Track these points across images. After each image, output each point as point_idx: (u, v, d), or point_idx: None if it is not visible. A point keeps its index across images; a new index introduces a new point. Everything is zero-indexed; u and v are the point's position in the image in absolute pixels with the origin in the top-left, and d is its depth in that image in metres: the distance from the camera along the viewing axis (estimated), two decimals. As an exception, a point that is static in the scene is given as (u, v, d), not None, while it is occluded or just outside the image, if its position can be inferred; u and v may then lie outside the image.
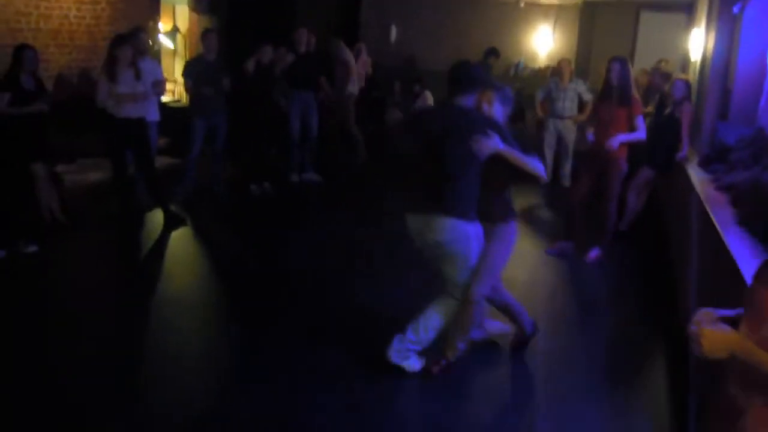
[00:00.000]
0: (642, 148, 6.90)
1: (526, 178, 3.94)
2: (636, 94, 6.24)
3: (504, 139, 3.82)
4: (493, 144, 3.77)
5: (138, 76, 6.49)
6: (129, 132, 6.54)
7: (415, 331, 4.05)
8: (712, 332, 1.94)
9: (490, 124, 3.86)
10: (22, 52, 6.09)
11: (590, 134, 6.44)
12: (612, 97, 6.13)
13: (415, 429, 3.73)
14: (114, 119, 6.46)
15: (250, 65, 7.79)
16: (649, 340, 5.00)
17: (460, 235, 3.85)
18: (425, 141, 3.92)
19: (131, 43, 6.58)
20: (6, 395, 3.75)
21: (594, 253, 6.41)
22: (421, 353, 4.13)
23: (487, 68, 10.07)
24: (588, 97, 9.17)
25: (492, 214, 4.03)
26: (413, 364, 4.14)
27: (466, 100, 3.93)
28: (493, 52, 10.14)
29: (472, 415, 3.85)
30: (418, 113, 4.49)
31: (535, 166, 3.94)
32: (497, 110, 4.09)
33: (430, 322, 4.04)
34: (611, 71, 6.10)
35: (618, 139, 6.01)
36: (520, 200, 8.95)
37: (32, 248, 5.79)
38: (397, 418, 3.85)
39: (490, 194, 3.99)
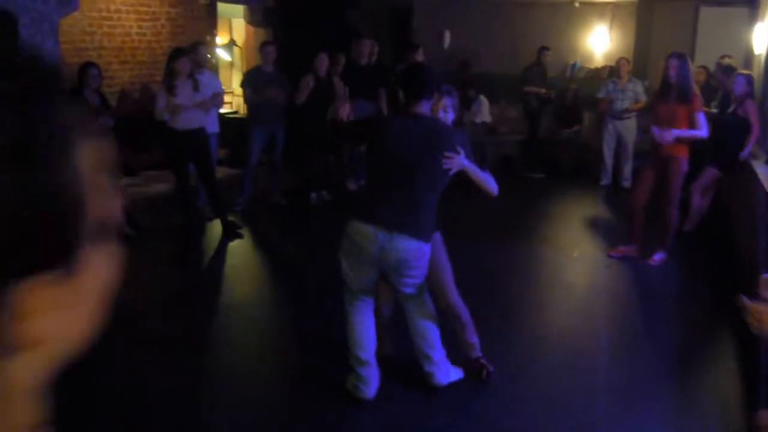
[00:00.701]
0: (705, 147, 6.71)
1: (480, 193, 3.85)
2: (696, 90, 6.07)
3: (466, 154, 3.66)
4: (461, 161, 3.61)
5: (196, 88, 6.62)
6: (190, 143, 6.68)
7: (431, 348, 3.97)
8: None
9: (457, 138, 3.70)
10: (85, 69, 6.32)
11: (655, 129, 6.12)
12: (671, 94, 5.98)
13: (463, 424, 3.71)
14: (175, 131, 6.62)
15: (308, 83, 7.83)
16: (718, 346, 4.86)
17: (423, 256, 3.70)
18: (395, 154, 3.61)
19: (190, 56, 6.73)
20: (74, 396, 3.87)
21: (658, 256, 6.25)
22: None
23: (542, 69, 10.04)
24: (643, 98, 9.03)
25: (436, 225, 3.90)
26: (457, 372, 4.11)
27: (425, 108, 3.73)
28: (545, 48, 10.17)
29: (531, 419, 3.80)
30: (381, 122, 4.15)
31: (491, 183, 3.84)
32: (450, 116, 3.99)
33: (433, 333, 3.96)
34: (670, 68, 5.94)
35: (673, 133, 5.83)
36: (581, 203, 8.88)
37: None
38: (454, 424, 3.83)
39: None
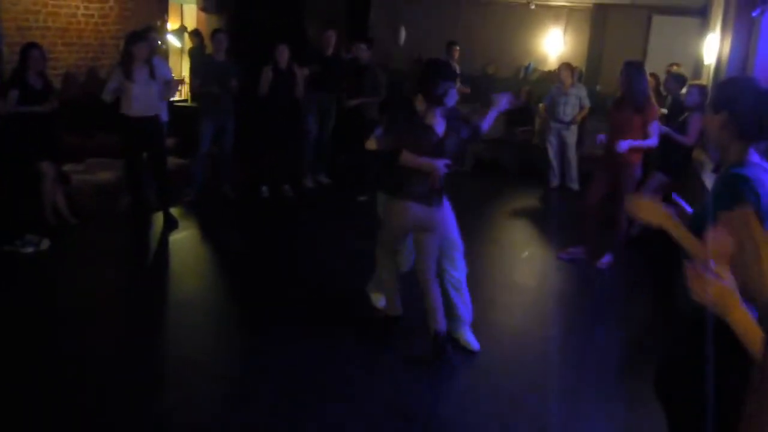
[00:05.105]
0: (655, 154, 6.79)
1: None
2: (652, 99, 6.10)
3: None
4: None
5: (152, 74, 6.42)
6: (144, 131, 6.48)
7: (465, 304, 4.61)
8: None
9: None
10: (29, 50, 6.06)
11: (601, 136, 6.26)
12: (626, 103, 6.00)
13: (417, 423, 3.68)
14: (129, 119, 6.41)
15: (268, 74, 7.68)
16: (662, 345, 4.92)
17: None
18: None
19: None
20: (13, 392, 3.70)
21: (606, 259, 6.32)
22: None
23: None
24: (587, 102, 9.23)
25: None
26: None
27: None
28: (452, 43, 10.47)
29: (484, 418, 3.78)
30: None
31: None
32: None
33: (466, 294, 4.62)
34: (625, 76, 5.97)
35: (626, 143, 5.86)
36: (528, 203, 8.91)
37: (30, 249, 5.71)
38: (394, 411, 3.78)
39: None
